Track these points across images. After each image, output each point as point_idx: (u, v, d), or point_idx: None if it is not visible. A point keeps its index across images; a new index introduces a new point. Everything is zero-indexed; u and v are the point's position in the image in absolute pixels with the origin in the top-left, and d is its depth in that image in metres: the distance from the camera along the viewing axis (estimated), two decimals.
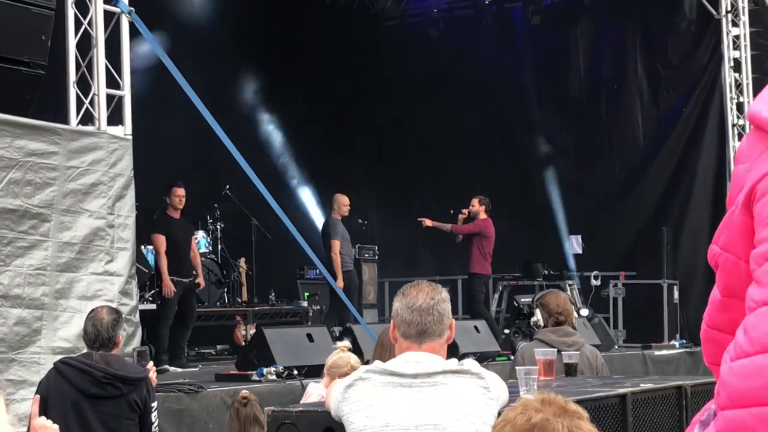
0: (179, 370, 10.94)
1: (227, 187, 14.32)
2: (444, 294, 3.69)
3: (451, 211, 14.21)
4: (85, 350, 6.05)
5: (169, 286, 11.02)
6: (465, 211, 13.83)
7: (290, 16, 16.28)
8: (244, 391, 6.03)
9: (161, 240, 11.20)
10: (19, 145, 7.34)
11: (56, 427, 3.46)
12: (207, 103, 8.78)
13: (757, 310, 1.77)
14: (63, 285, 7.58)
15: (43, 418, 3.58)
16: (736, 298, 1.86)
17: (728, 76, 14.83)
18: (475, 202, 13.74)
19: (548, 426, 2.18)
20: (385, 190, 17.25)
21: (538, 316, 6.51)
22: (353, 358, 5.97)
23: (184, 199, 11.39)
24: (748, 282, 1.81)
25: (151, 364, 6.26)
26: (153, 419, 5.92)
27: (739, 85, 14.94)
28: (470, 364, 3.60)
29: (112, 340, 5.84)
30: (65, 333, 7.52)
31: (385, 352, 5.15)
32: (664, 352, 13.45)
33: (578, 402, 4.02)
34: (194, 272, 11.64)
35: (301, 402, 6.08)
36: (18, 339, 7.26)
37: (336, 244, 12.82)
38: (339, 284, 12.30)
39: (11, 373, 7.15)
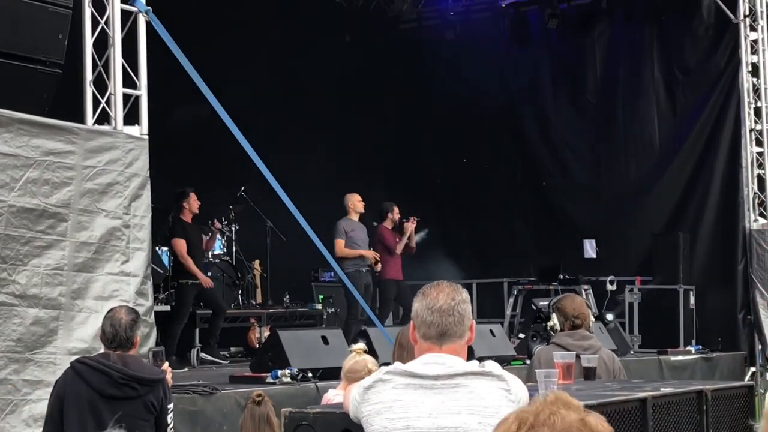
0: (209, 357, 11.77)
1: (242, 188, 14.30)
2: (464, 295, 3.64)
3: (405, 221, 13.61)
4: (101, 350, 6.03)
5: (207, 281, 11.78)
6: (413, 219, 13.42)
7: (305, 18, 16.26)
8: (257, 391, 6.00)
9: (183, 244, 11.68)
10: (36, 144, 7.33)
11: None
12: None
13: None
14: (79, 285, 7.56)
15: None
16: None
17: (746, 80, 14.76)
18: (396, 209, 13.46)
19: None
20: (402, 191, 17.20)
21: (554, 320, 6.48)
22: (370, 361, 5.90)
23: None
24: None
25: (166, 364, 6.23)
26: (169, 421, 5.89)
27: (756, 90, 14.87)
28: (491, 366, 3.55)
29: (130, 340, 5.81)
30: (81, 333, 7.50)
31: (404, 352, 5.08)
32: (680, 357, 13.37)
33: (598, 405, 4.00)
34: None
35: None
36: (34, 339, 7.24)
37: (338, 244, 12.40)
38: None
39: (27, 373, 7.14)
